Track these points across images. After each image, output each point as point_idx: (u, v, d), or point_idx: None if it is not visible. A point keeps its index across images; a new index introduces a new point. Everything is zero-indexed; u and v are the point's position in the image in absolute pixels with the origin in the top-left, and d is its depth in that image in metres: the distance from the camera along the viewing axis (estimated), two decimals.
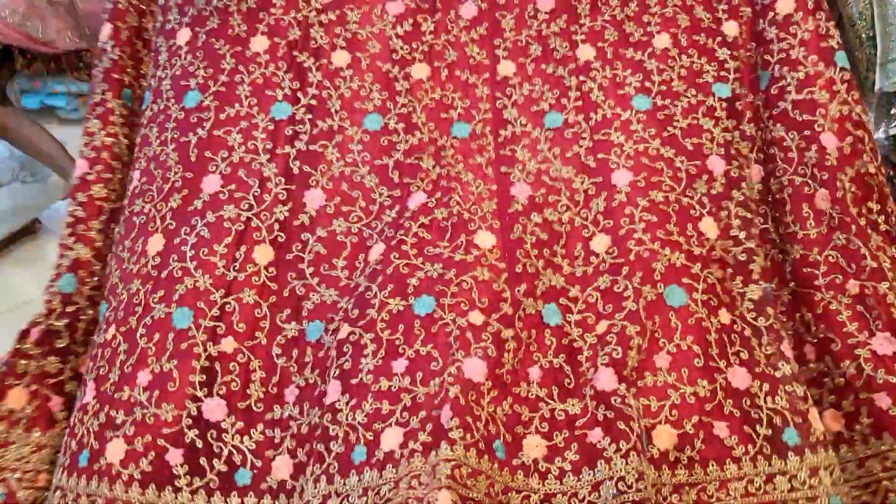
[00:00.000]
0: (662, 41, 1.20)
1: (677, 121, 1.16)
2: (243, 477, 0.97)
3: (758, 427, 0.95)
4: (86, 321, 1.14)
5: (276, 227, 1.09)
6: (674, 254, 1.05)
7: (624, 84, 1.19)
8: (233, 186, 1.11)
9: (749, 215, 1.11)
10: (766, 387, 0.97)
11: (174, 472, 0.95)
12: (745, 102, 1.19)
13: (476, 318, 0.98)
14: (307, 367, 1.02)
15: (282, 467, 0.97)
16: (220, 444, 0.97)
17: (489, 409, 0.94)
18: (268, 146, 1.14)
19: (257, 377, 1.01)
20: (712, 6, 1.23)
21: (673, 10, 1.22)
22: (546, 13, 1.22)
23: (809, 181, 1.12)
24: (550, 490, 0.92)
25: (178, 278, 1.04)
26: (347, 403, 0.94)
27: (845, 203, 1.10)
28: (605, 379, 0.97)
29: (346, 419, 0.93)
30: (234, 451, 0.97)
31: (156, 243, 1.08)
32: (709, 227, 1.08)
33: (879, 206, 1.13)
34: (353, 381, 0.95)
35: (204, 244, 1.06)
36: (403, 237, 1.06)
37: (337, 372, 0.97)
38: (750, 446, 0.94)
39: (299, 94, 1.17)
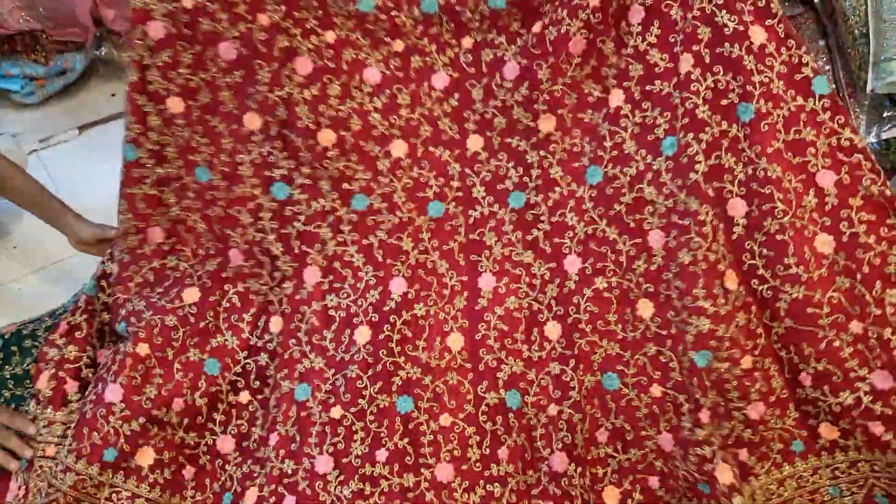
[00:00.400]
0: (617, 98, 1.16)
1: (623, 195, 1.18)
2: (226, 499, 1.19)
3: (679, 482, 1.14)
4: (100, 321, 1.31)
5: (284, 300, 1.24)
6: (610, 344, 1.18)
7: (581, 155, 1.19)
8: (252, 262, 1.24)
9: (683, 285, 1.12)
10: (681, 451, 1.13)
11: (185, 484, 1.19)
12: (716, 132, 1.12)
13: (445, 420, 1.18)
14: (290, 420, 1.20)
15: (250, 497, 1.17)
16: (221, 471, 1.21)
17: (462, 498, 1.15)
18: (273, 226, 1.23)
19: (258, 423, 1.22)
20: (667, 43, 1.13)
21: (626, 61, 1.15)
22: (510, 81, 1.19)
23: (809, 225, 1.10)
24: None
25: (212, 332, 1.23)
26: (337, 478, 1.15)
27: (853, 246, 1.09)
28: (559, 462, 1.15)
29: (335, 490, 1.14)
30: (229, 479, 1.20)
31: (192, 294, 1.24)
32: (644, 307, 1.17)
33: None
34: (344, 461, 1.16)
35: (234, 311, 1.24)
36: (390, 333, 1.20)
37: (331, 449, 1.17)
38: (677, 494, 1.14)
39: (294, 175, 1.21)
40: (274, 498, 1.15)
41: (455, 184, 1.23)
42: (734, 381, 1.11)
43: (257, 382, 1.23)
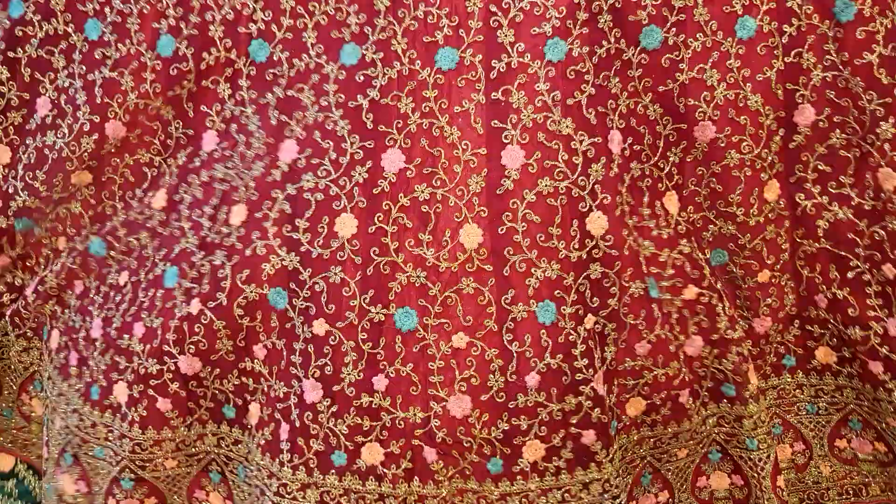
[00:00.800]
0: None
1: (681, 71, 1.03)
2: (229, 412, 1.08)
3: (703, 382, 1.09)
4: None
5: (252, 184, 1.04)
6: (646, 243, 1.06)
7: (639, 7, 1.01)
8: (225, 144, 1.07)
9: (720, 187, 1.07)
10: (716, 351, 1.07)
11: (166, 415, 1.07)
12: (803, 26, 1.02)
13: (459, 340, 1.00)
14: (274, 331, 1.05)
15: (255, 412, 1.07)
16: (203, 390, 1.07)
17: (482, 434, 1.00)
18: (252, 95, 1.05)
19: (223, 334, 1.05)
20: None
21: None
22: None
23: (876, 154, 1.03)
24: (546, 486, 1.02)
25: (176, 238, 1.08)
26: (329, 408, 1.01)
27: None
28: (601, 384, 1.02)
29: (328, 423, 1.01)
30: (218, 392, 1.07)
31: (160, 199, 1.10)
32: (670, 201, 1.07)
33: None
34: (336, 388, 1.01)
35: (196, 204, 1.08)
36: (383, 225, 1.01)
37: (317, 373, 1.02)
38: (698, 402, 1.09)
39: (273, 28, 1.02)
40: (273, 424, 1.05)
41: (475, 24, 0.99)
42: (746, 292, 1.11)
43: (207, 286, 1.04)
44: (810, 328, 1.13)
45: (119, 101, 1.06)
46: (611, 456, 1.01)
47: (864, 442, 1.14)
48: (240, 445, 1.09)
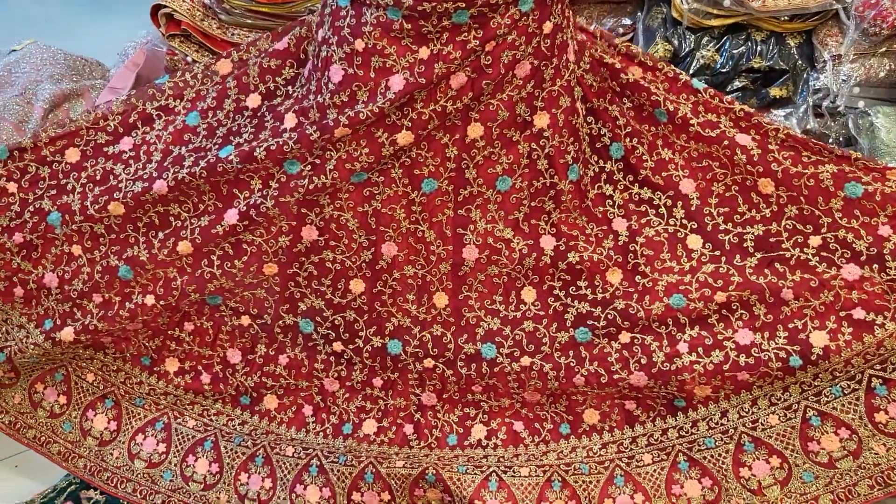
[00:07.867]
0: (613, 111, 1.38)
1: (590, 189, 1.39)
2: (245, 399, 1.50)
3: (658, 401, 1.38)
4: None
5: (280, 252, 1.42)
6: (582, 304, 1.38)
7: (565, 153, 1.36)
8: (247, 222, 1.41)
9: (651, 252, 1.38)
10: (659, 381, 1.34)
11: (204, 390, 1.52)
12: (650, 137, 1.39)
13: (428, 363, 1.41)
14: (298, 346, 1.47)
15: (269, 401, 1.50)
16: (238, 383, 1.49)
17: (444, 418, 1.44)
18: (274, 194, 1.38)
19: (262, 342, 1.49)
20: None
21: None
22: (520, 78, 1.31)
23: (748, 176, 1.34)
24: (488, 454, 1.41)
25: (247, 281, 1.48)
26: (343, 395, 1.47)
27: (788, 178, 1.31)
28: (531, 396, 1.41)
29: (342, 405, 1.46)
30: (241, 384, 1.49)
31: (185, 247, 1.43)
32: (614, 276, 1.37)
33: None
34: (348, 384, 1.46)
35: (228, 258, 1.47)
36: (383, 289, 1.41)
37: (336, 375, 1.47)
38: (652, 413, 1.38)
39: (307, 155, 1.36)
40: (294, 407, 1.48)
41: (450, 164, 1.35)
42: (714, 315, 1.31)
43: (255, 310, 1.46)
44: (793, 324, 1.30)
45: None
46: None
47: None
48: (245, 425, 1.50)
